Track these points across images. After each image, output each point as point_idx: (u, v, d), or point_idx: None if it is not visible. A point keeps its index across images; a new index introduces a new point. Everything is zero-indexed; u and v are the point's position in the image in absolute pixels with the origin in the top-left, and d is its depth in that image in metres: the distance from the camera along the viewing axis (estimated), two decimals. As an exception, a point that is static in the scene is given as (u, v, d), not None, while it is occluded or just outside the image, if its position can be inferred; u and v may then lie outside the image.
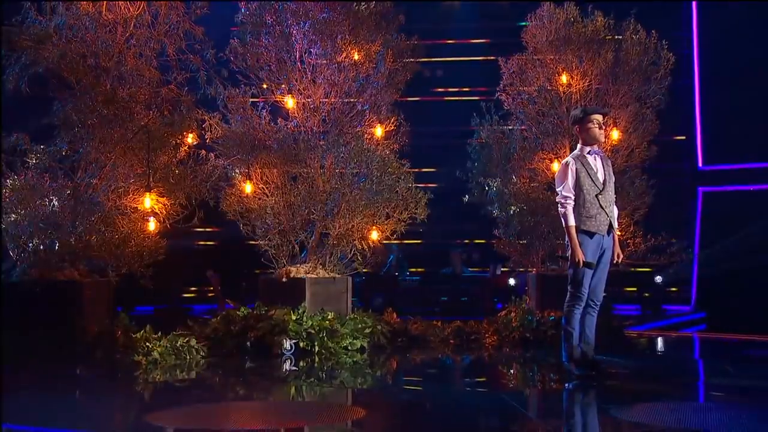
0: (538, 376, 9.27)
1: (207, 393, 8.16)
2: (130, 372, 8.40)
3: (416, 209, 10.28)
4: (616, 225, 7.81)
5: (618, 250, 7.86)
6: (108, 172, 8.29)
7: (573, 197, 7.52)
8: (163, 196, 8.51)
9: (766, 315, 15.13)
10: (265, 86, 10.20)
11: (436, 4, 18.51)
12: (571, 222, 7.48)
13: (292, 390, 8.59)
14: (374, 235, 10.15)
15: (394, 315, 11.14)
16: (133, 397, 7.77)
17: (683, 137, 18.96)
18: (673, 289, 18.66)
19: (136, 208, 8.43)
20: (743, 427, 6.05)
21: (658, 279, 17.97)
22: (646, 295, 17.58)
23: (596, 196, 7.57)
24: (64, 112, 8.00)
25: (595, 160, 7.70)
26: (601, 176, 7.67)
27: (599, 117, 7.77)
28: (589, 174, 7.60)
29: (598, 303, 7.81)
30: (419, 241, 17.52)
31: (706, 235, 18.39)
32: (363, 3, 10.22)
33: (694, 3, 18.67)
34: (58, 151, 8.05)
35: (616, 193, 10.03)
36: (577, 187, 7.56)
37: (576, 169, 7.59)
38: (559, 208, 7.57)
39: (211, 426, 6.37)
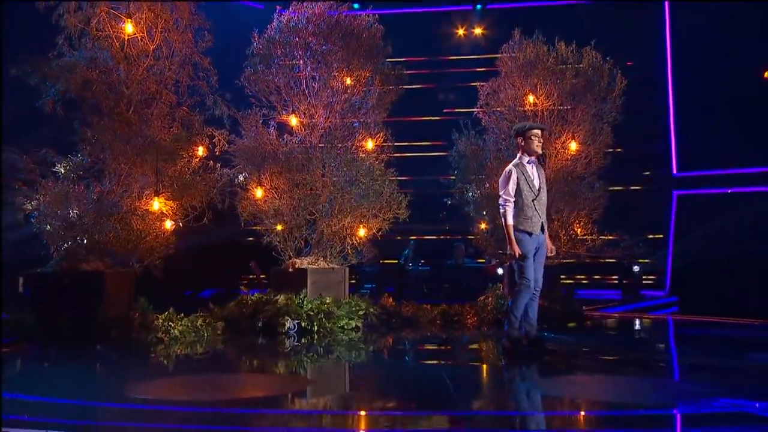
0: (487, 351, 9.07)
1: (219, 364, 8.21)
2: (149, 347, 8.35)
3: (398, 210, 10.22)
4: (546, 225, 7.65)
5: (550, 245, 7.76)
6: (124, 180, 8.26)
7: (513, 200, 7.45)
8: (173, 200, 8.49)
9: (729, 299, 15.04)
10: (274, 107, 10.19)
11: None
12: (510, 221, 7.42)
13: (293, 362, 8.52)
14: (361, 232, 10.09)
15: (390, 299, 11.03)
16: (147, 367, 7.69)
17: (660, 148, 18.62)
18: (651, 277, 18.36)
19: (148, 210, 8.39)
20: (627, 397, 5.97)
21: (636, 268, 17.79)
22: (625, 281, 17.23)
23: (532, 200, 7.50)
24: (84, 131, 7.99)
25: (532, 168, 7.61)
26: (536, 183, 7.59)
27: (539, 132, 7.69)
28: (527, 181, 7.53)
29: (539, 290, 7.66)
30: (434, 237, 17.41)
31: (680, 232, 18.18)
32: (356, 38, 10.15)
33: (667, 33, 18.44)
34: (81, 163, 8.06)
35: (574, 197, 9.89)
36: (517, 192, 7.48)
37: (517, 176, 7.50)
38: (500, 209, 7.50)
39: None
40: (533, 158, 7.62)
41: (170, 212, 8.45)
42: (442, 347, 9.48)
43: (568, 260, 11.22)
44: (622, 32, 17.42)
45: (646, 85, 18.15)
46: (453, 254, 16.13)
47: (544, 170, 7.83)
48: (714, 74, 16.91)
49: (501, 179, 7.60)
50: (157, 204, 8.26)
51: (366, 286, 15.37)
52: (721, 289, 15.52)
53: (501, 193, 7.51)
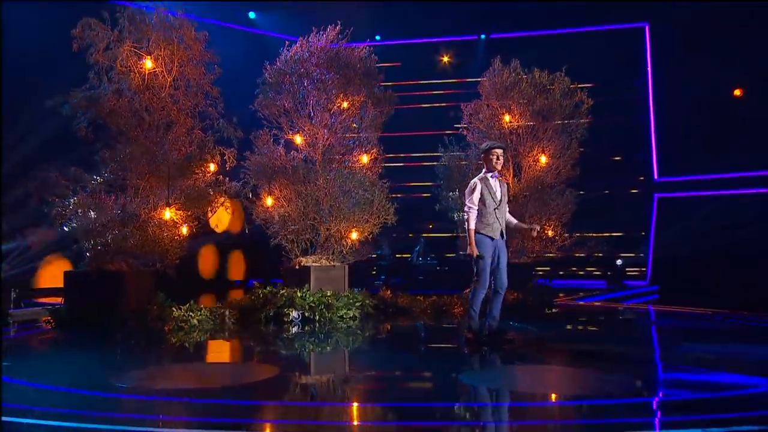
0: (452, 340, 8.72)
1: (231, 348, 8.22)
2: (166, 335, 8.29)
3: (387, 216, 10.13)
4: (506, 232, 7.54)
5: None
6: (142, 193, 8.29)
7: (476, 208, 7.36)
8: (184, 210, 8.47)
9: (702, 289, 14.77)
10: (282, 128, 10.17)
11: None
12: (472, 226, 7.36)
13: (296, 345, 8.59)
14: (354, 236, 10.03)
15: (389, 292, 10.96)
16: (164, 350, 7.71)
17: (643, 157, 18.53)
18: (635, 269, 18.09)
19: (161, 218, 8.41)
20: (554, 388, 5.80)
21: (619, 262, 17.55)
22: (609, 273, 16.95)
23: (494, 209, 7.42)
24: (108, 152, 8.02)
25: (495, 182, 7.51)
26: (498, 195, 7.50)
27: (499, 151, 7.60)
28: (490, 193, 7.45)
29: (503, 288, 7.53)
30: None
31: (660, 230, 17.90)
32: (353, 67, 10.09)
33: (648, 58, 18.12)
34: (103, 180, 8.08)
35: (545, 203, 9.65)
36: (480, 201, 7.39)
37: (481, 188, 7.42)
38: (464, 215, 7.44)
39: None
40: (496, 173, 7.51)
41: (180, 220, 8.40)
42: (410, 338, 9.25)
43: (550, 254, 11.01)
44: (610, 57, 17.41)
45: (630, 104, 18.06)
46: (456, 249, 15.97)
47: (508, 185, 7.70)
48: (689, 93, 16.86)
49: (467, 190, 7.55)
50: (168, 214, 8.25)
51: (381, 277, 15.31)
52: (695, 280, 15.39)
53: (466, 201, 7.47)
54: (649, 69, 18.23)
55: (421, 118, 16.44)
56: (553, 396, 5.53)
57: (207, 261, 16.48)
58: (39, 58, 10.64)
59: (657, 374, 6.42)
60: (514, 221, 7.80)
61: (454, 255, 15.78)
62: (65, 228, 7.91)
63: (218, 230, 14.93)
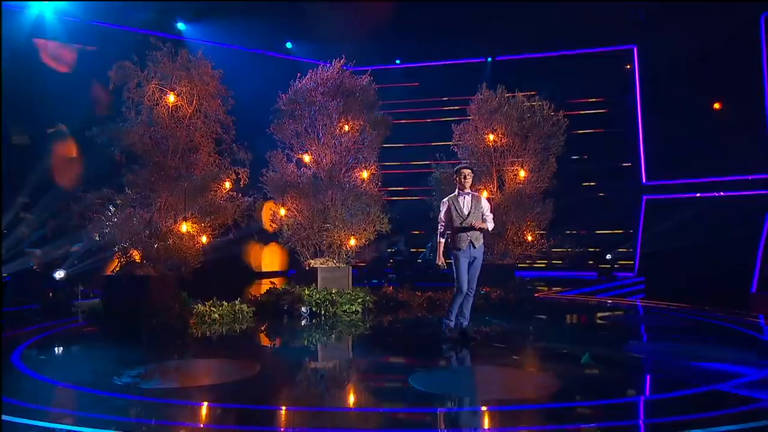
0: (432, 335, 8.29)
1: (249, 339, 8.32)
2: (189, 328, 8.34)
3: (381, 225, 10.08)
4: (476, 242, 7.36)
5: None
6: (163, 209, 8.36)
7: (445, 223, 7.35)
8: (200, 222, 8.53)
9: (683, 280, 14.49)
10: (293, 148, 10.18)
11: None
12: (441, 239, 7.38)
13: (304, 335, 8.66)
14: (352, 242, 9.98)
15: (390, 288, 10.91)
16: (178, 343, 7.76)
17: (631, 164, 18.19)
18: (624, 262, 17.74)
19: (179, 231, 8.49)
20: (477, 389, 5.66)
21: (609, 256, 17.20)
22: (601, 266, 16.62)
23: (460, 224, 7.33)
24: (128, 176, 8.13)
25: (464, 199, 7.42)
26: (465, 211, 7.37)
27: (466, 171, 7.50)
28: (457, 210, 7.38)
29: (473, 291, 7.50)
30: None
31: (647, 227, 17.50)
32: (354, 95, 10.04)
33: (637, 76, 17.69)
34: (127, 200, 8.18)
35: (525, 210, 9.42)
36: (449, 218, 7.31)
37: (449, 206, 7.39)
38: (438, 229, 7.42)
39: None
40: (465, 190, 7.40)
41: (196, 231, 8.47)
42: (410, 326, 9.16)
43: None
44: (603, 76, 17.16)
45: (621, 117, 17.69)
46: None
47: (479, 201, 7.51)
48: (673, 107, 16.52)
49: (441, 207, 7.46)
50: (185, 227, 8.31)
51: (392, 275, 15.22)
52: (677, 272, 15.04)
53: (439, 217, 7.43)
54: (637, 86, 17.80)
55: (430, 130, 16.41)
56: (467, 400, 5.33)
57: (256, 255, 16.65)
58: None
59: (581, 378, 6.02)
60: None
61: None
62: (102, 239, 8.04)
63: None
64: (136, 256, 8.16)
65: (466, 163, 7.97)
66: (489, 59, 18.40)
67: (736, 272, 14.62)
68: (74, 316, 9.03)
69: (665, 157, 17.10)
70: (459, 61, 18.47)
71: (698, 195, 16.66)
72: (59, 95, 11.83)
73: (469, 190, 7.50)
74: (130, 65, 8.37)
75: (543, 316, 9.75)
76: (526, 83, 17.34)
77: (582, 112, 17.62)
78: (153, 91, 8.40)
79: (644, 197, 17.81)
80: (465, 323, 7.57)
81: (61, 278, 10.52)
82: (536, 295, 11.98)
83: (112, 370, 5.89)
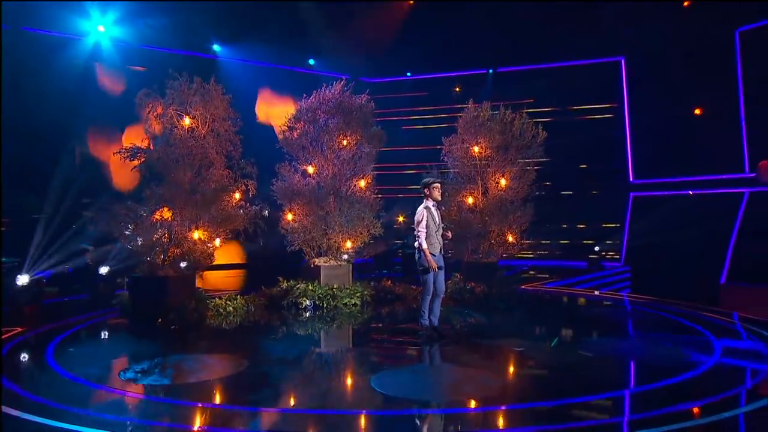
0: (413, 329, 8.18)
1: (257, 327, 8.47)
2: (205, 320, 8.54)
3: (374, 229, 10.08)
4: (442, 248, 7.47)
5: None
6: (179, 218, 8.45)
7: (425, 233, 7.27)
8: (212, 229, 8.61)
9: (663, 272, 14.30)
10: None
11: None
12: (425, 246, 7.26)
13: (308, 324, 8.81)
14: (348, 244, 9.99)
15: (389, 282, 10.90)
16: (190, 335, 7.91)
17: (621, 164, 17.62)
18: (612, 253, 17.44)
19: (192, 237, 8.58)
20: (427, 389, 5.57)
21: (597, 248, 16.90)
22: (591, 256, 16.37)
23: (435, 232, 7.33)
24: (147, 191, 8.25)
25: (435, 209, 7.38)
26: (438, 221, 7.38)
27: (438, 185, 7.46)
28: (433, 219, 7.36)
29: (442, 292, 7.51)
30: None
31: (633, 222, 17.18)
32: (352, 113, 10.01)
33: (624, 84, 17.25)
34: (152, 210, 8.30)
35: (505, 216, 9.31)
36: (427, 226, 7.25)
37: (427, 216, 7.29)
38: (418, 238, 7.29)
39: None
40: (435, 203, 7.39)
41: (208, 237, 8.56)
42: (398, 318, 9.19)
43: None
44: (595, 85, 16.88)
45: (610, 122, 17.32)
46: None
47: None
48: (658, 113, 16.25)
49: (416, 218, 7.35)
50: (197, 234, 8.43)
51: (397, 267, 15.19)
52: (659, 263, 14.84)
53: (418, 227, 7.29)
54: (625, 94, 17.37)
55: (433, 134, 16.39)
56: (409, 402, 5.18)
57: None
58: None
59: (523, 377, 6.02)
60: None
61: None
62: (128, 245, 8.22)
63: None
64: (158, 258, 8.30)
65: (436, 175, 7.88)
66: (491, 71, 18.14)
67: (710, 264, 14.35)
68: (114, 306, 9.32)
69: (650, 158, 16.85)
70: (465, 72, 18.27)
71: (691, 192, 16.23)
72: (113, 112, 12.20)
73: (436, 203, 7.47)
74: (152, 92, 8.49)
75: (519, 312, 9.57)
76: (523, 93, 17.44)
77: (582, 117, 17.35)
78: (171, 115, 8.50)
79: (631, 194, 17.44)
80: (435, 321, 7.54)
81: (105, 273, 10.84)
82: (523, 286, 11.88)
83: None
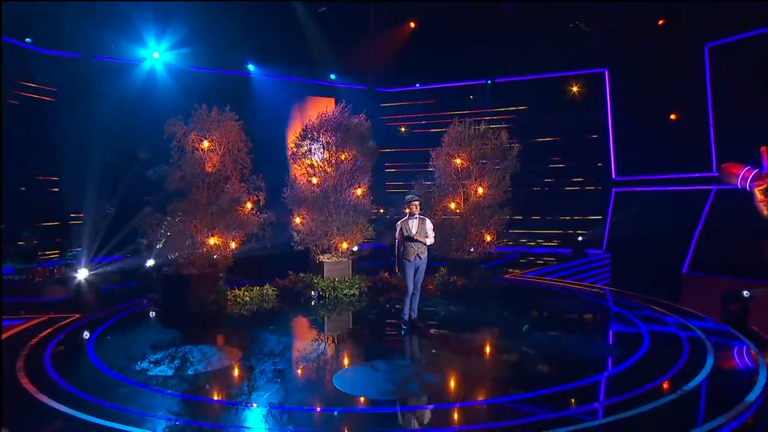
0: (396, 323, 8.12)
1: (271, 313, 8.72)
2: (224, 309, 8.73)
3: (366, 232, 10.12)
4: (421, 254, 7.46)
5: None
6: (199, 226, 8.61)
7: (399, 240, 7.45)
8: (227, 234, 8.77)
9: (639, 259, 13.97)
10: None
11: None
12: (396, 252, 7.56)
13: (313, 310, 9.01)
14: (344, 245, 10.04)
15: (387, 274, 10.90)
16: (208, 325, 8.16)
17: (604, 162, 17.08)
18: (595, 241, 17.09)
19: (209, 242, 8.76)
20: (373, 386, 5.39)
21: (580, 238, 16.54)
22: (575, 244, 16.14)
23: (409, 241, 7.41)
24: (170, 206, 8.42)
25: (413, 222, 7.46)
26: (414, 231, 7.43)
27: (416, 202, 7.53)
28: (405, 230, 7.46)
29: (419, 290, 7.62)
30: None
31: (615, 214, 16.74)
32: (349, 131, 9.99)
33: (607, 93, 16.69)
34: (175, 220, 8.46)
35: (483, 220, 9.18)
36: (401, 235, 7.37)
37: (401, 227, 7.43)
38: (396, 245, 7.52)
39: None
40: (414, 216, 7.46)
41: (223, 242, 8.73)
42: (387, 306, 9.25)
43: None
44: (581, 93, 16.40)
45: (595, 125, 16.81)
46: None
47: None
48: (637, 117, 15.81)
49: (397, 228, 7.53)
50: (212, 240, 8.62)
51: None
52: (634, 251, 14.50)
53: (396, 235, 7.50)
54: (608, 101, 16.82)
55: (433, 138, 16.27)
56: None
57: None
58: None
59: (468, 374, 5.87)
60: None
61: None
62: (158, 247, 8.49)
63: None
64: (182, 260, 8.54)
65: (415, 194, 7.85)
66: (489, 81, 17.77)
67: (676, 255, 13.95)
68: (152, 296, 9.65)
69: (630, 157, 16.42)
70: (468, 83, 17.96)
71: (669, 189, 15.73)
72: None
73: (416, 215, 7.49)
74: (177, 121, 8.66)
75: (493, 304, 9.41)
76: (519, 101, 17.04)
77: (570, 121, 16.83)
78: (193, 139, 8.68)
79: (613, 190, 16.98)
80: (414, 315, 7.62)
81: (151, 266, 11.19)
82: (505, 276, 11.74)
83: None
